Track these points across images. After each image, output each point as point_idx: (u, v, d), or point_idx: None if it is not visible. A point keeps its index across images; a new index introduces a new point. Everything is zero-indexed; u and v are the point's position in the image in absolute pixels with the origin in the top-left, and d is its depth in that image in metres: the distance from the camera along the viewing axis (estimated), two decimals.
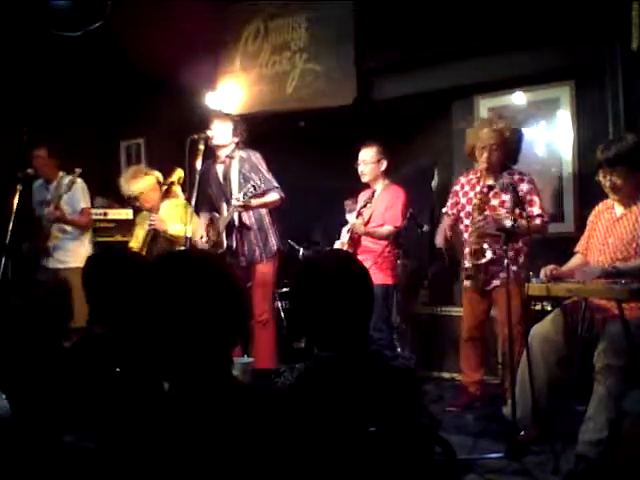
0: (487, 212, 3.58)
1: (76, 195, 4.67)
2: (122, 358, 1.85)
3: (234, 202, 3.93)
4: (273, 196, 4.09)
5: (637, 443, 2.20)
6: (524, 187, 3.58)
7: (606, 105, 4.11)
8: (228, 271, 1.36)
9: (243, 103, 5.45)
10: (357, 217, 4.22)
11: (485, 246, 3.54)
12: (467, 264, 3.68)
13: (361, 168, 4.28)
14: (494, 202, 3.65)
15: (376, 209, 4.22)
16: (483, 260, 3.56)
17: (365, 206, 4.20)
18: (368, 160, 4.25)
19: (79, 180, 4.62)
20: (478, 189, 3.74)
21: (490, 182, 3.68)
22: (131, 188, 4.33)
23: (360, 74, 4.95)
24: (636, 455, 2.20)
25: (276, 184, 4.11)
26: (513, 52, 4.38)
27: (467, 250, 3.68)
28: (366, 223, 4.19)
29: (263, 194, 4.04)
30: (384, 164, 4.27)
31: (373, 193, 4.27)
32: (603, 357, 2.76)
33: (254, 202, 3.97)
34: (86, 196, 4.79)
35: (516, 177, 3.62)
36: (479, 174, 3.78)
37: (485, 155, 3.63)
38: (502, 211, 3.57)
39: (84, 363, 1.91)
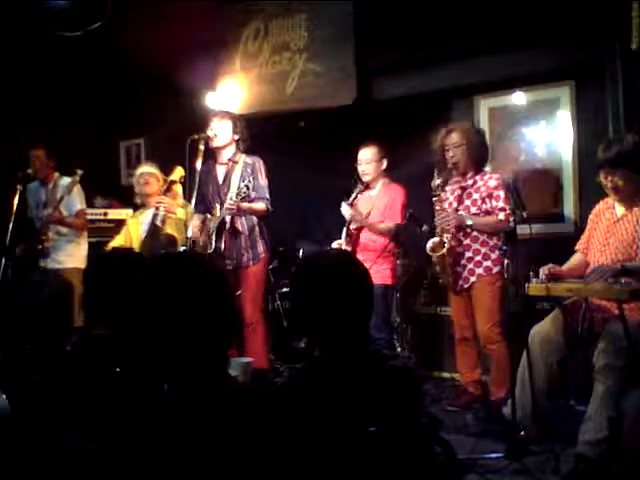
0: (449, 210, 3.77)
1: (73, 197, 4.67)
2: (122, 358, 1.85)
3: (228, 203, 3.92)
4: (260, 205, 4.08)
5: (637, 443, 2.20)
6: (491, 183, 3.73)
7: (606, 105, 4.11)
8: (220, 273, 1.38)
9: (243, 103, 5.44)
10: (350, 208, 4.18)
11: (444, 240, 3.70)
12: (433, 259, 3.80)
13: (362, 168, 4.24)
14: (467, 202, 3.79)
15: (375, 207, 4.22)
16: (442, 251, 3.70)
17: (357, 196, 4.22)
18: (370, 159, 4.22)
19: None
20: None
21: (463, 184, 3.83)
22: (143, 191, 4.48)
23: (360, 74, 4.94)
24: (636, 455, 2.20)
25: (267, 196, 4.11)
26: (513, 52, 4.38)
27: (429, 245, 3.76)
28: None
29: (252, 200, 4.04)
30: (384, 162, 4.26)
31: (367, 187, 4.28)
32: (603, 357, 2.76)
33: (244, 205, 3.96)
34: (82, 198, 4.78)
35: (486, 177, 3.78)
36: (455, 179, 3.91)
37: (450, 155, 3.78)
38: (473, 209, 3.75)
39: (84, 363, 1.91)
